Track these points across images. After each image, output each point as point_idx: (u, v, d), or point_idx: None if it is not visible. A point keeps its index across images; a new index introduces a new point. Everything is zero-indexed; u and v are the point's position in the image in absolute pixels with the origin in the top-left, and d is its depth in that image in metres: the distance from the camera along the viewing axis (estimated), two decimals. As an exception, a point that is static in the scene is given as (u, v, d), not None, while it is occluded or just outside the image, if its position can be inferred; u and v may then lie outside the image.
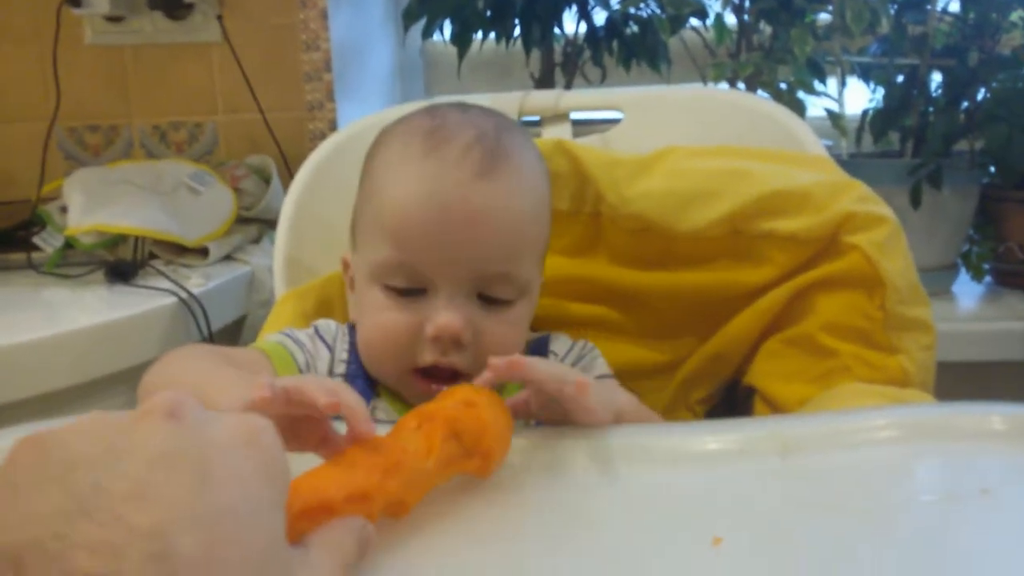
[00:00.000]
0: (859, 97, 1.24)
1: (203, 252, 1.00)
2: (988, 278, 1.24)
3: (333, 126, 1.16)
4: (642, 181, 0.69)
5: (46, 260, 1.00)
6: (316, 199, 0.80)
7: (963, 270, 1.24)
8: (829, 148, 1.21)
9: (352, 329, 0.63)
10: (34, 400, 0.72)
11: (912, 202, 1.12)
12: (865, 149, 1.24)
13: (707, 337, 0.70)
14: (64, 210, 1.02)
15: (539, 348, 0.65)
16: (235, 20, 1.15)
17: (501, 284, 0.56)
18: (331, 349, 0.61)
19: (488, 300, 0.56)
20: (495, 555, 0.41)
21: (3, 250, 1.02)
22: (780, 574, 0.39)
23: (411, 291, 0.56)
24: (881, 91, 1.19)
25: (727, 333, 0.68)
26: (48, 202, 1.05)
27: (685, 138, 0.76)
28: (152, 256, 0.98)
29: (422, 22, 1.08)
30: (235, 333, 0.95)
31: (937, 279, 1.22)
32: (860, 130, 1.21)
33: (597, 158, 0.70)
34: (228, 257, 1.02)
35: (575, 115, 0.84)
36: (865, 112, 1.20)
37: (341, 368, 0.61)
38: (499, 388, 0.51)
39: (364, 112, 1.25)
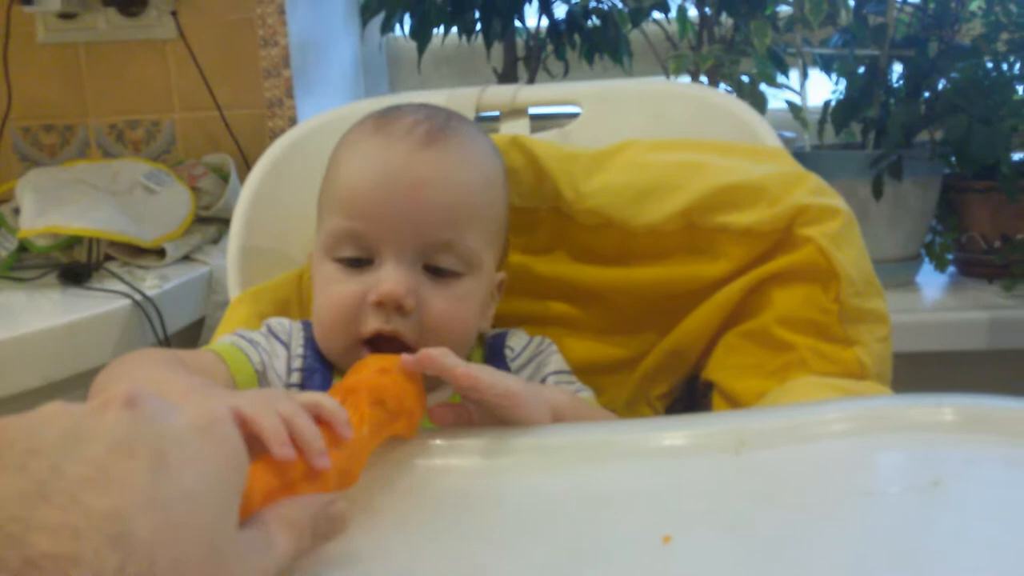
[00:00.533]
0: (821, 89, 1.25)
1: (160, 253, 0.98)
2: (952, 268, 1.25)
3: (293, 123, 1.15)
4: (599, 176, 0.68)
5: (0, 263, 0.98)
6: (273, 193, 0.78)
7: (927, 260, 1.24)
8: (791, 140, 1.22)
9: (307, 325, 0.62)
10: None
11: (874, 193, 1.13)
12: (828, 140, 1.24)
13: (666, 332, 0.70)
14: (17, 212, 1.00)
15: (496, 344, 0.64)
16: (191, 16, 1.14)
17: (444, 253, 0.57)
18: (287, 346, 0.61)
19: (434, 272, 0.57)
20: (444, 557, 0.40)
21: (-46, 254, 1.00)
22: (735, 570, 0.39)
23: (359, 261, 0.57)
24: (843, 82, 1.20)
25: (685, 328, 0.68)
26: (1, 204, 1.03)
27: (643, 132, 0.76)
28: (108, 258, 0.97)
29: (381, 16, 1.07)
30: (193, 335, 0.94)
31: (900, 270, 1.22)
32: (822, 122, 1.21)
33: (554, 153, 0.70)
34: (186, 258, 1.00)
35: (533, 110, 0.83)
36: (827, 103, 1.20)
37: (298, 363, 0.60)
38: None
39: (325, 109, 1.24)
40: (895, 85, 1.16)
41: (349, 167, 0.59)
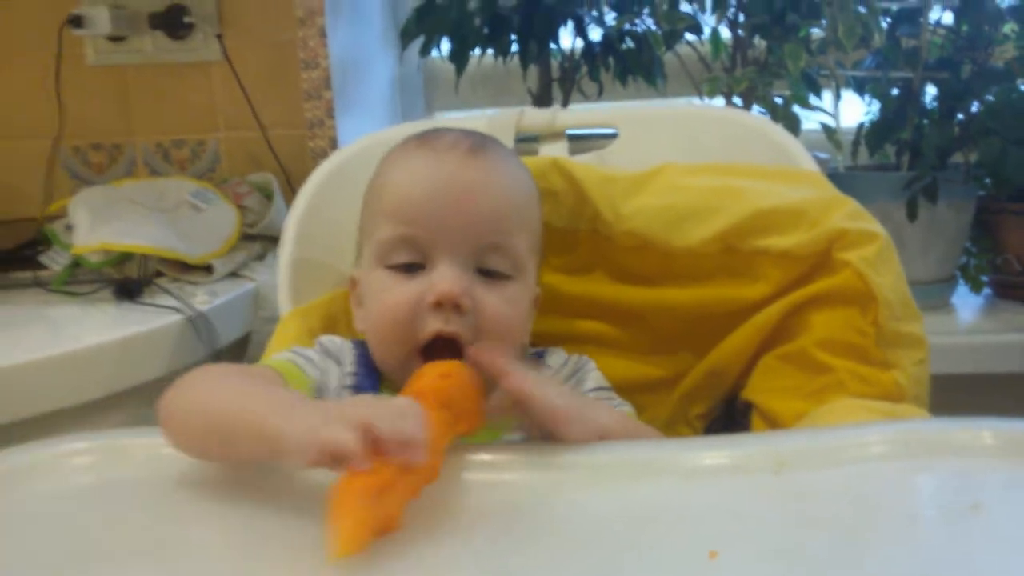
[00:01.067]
0: (854, 110, 1.25)
1: (208, 269, 1.01)
2: (987, 290, 1.25)
3: (334, 144, 1.18)
4: (637, 198, 0.70)
5: (53, 278, 1.01)
6: (321, 210, 0.81)
7: (961, 283, 1.24)
8: (825, 162, 1.23)
9: (357, 343, 0.64)
10: (40, 418, 0.73)
11: (908, 215, 1.13)
12: (861, 162, 1.25)
13: (704, 352, 0.71)
14: (69, 228, 1.04)
15: (535, 359, 0.66)
16: (235, 39, 1.17)
17: (496, 255, 0.60)
18: (339, 363, 0.63)
19: (485, 274, 0.59)
20: (489, 573, 0.42)
21: (9, 269, 1.03)
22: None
23: (412, 267, 0.59)
24: (876, 104, 1.21)
25: (724, 349, 0.69)
26: (54, 220, 1.06)
27: (679, 155, 0.78)
28: (158, 274, 0.99)
29: (420, 40, 1.10)
30: (240, 350, 0.96)
31: (935, 292, 1.23)
32: (856, 143, 1.22)
33: (593, 175, 0.71)
34: (233, 274, 1.03)
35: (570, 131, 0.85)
36: (860, 125, 1.21)
37: (349, 380, 0.62)
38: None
39: (364, 129, 1.27)
40: (929, 107, 1.17)
41: (399, 179, 0.62)
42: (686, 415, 0.72)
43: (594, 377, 0.65)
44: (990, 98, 1.12)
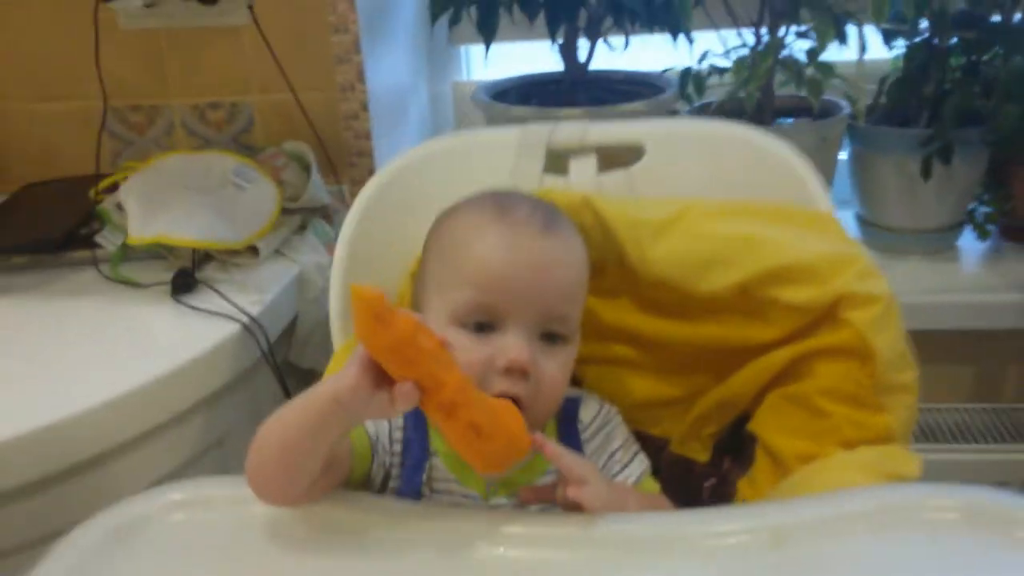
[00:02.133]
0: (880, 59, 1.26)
1: (253, 250, 1.08)
2: (993, 233, 1.29)
3: (364, 107, 1.21)
4: (663, 243, 0.75)
5: (108, 257, 1.08)
6: (369, 232, 0.85)
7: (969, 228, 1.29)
8: (841, 120, 1.23)
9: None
10: (114, 448, 0.82)
11: (923, 174, 1.17)
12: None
13: (719, 378, 0.79)
14: (120, 209, 1.10)
15: (570, 408, 0.73)
16: (264, 3, 1.18)
17: (561, 323, 0.67)
18: (389, 421, 0.70)
19: (547, 338, 0.67)
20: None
21: (69, 249, 1.10)
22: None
23: (484, 327, 0.65)
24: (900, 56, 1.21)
25: (735, 382, 0.77)
26: (103, 199, 1.12)
27: (702, 172, 0.84)
28: (208, 257, 1.06)
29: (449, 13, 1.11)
30: (288, 335, 1.04)
31: (944, 237, 1.28)
32: (879, 95, 1.24)
33: (622, 218, 0.77)
34: (276, 251, 1.10)
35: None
36: (883, 79, 1.22)
37: (398, 435, 0.70)
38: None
39: (394, 93, 1.30)
40: (953, 65, 1.18)
41: (478, 248, 0.67)
42: (699, 434, 0.81)
43: (620, 432, 0.73)
44: (1017, 59, 1.12)
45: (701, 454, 0.82)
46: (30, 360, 0.88)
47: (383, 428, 0.70)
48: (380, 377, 0.55)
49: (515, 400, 0.64)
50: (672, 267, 0.75)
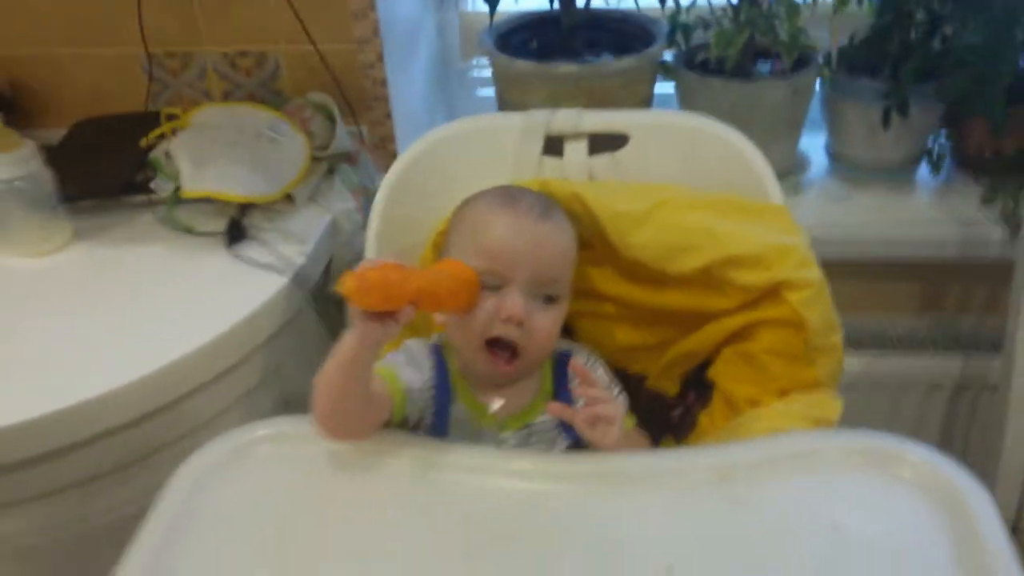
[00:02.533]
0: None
1: (290, 198, 1.23)
2: (947, 165, 1.44)
3: (380, 57, 1.33)
4: (640, 232, 0.92)
5: (162, 201, 1.24)
6: (397, 206, 1.01)
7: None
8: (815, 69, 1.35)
9: (434, 349, 0.90)
10: (187, 394, 1.00)
11: (883, 123, 1.31)
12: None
13: (684, 331, 0.97)
14: (168, 156, 1.24)
15: (562, 358, 0.92)
16: (287, -37, 1.28)
17: (552, 285, 0.86)
18: (420, 371, 0.89)
19: (542, 299, 0.85)
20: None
21: (128, 194, 1.26)
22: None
23: (492, 286, 0.84)
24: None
25: (698, 338, 0.95)
26: (152, 149, 1.27)
27: (677, 162, 0.98)
28: (251, 203, 1.22)
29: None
30: (327, 276, 1.21)
31: (903, 171, 1.43)
32: (850, 45, 1.36)
33: (605, 210, 0.93)
34: (308, 198, 1.25)
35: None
36: (852, 36, 1.34)
37: (429, 385, 0.88)
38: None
39: (406, 46, 1.42)
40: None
41: (490, 228, 0.85)
42: (669, 373, 1.00)
43: (601, 374, 0.92)
44: (973, 26, 1.24)
45: (671, 389, 1.01)
46: (121, 315, 1.05)
47: (416, 380, 0.88)
48: (376, 315, 0.73)
49: (511, 346, 0.84)
50: (647, 252, 0.92)
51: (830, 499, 0.75)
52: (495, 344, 0.84)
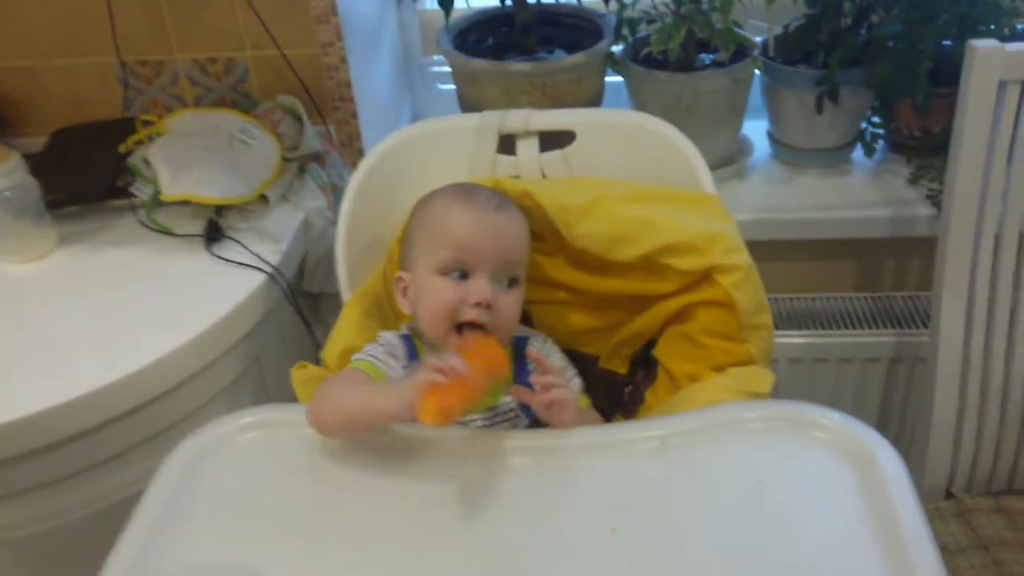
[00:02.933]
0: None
1: (263, 199, 1.31)
2: (881, 147, 1.53)
3: (343, 60, 1.40)
4: (584, 224, 1.00)
5: (142, 205, 1.31)
6: (364, 203, 1.09)
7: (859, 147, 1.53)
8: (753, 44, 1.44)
9: (405, 338, 0.99)
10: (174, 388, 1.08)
11: (817, 108, 1.40)
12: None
13: (631, 314, 1.06)
14: (147, 162, 1.31)
15: (520, 344, 1.01)
16: (250, -28, 1.35)
17: (512, 270, 0.95)
18: (396, 359, 0.97)
19: (505, 283, 0.94)
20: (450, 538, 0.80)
21: (110, 198, 1.33)
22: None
23: (460, 275, 0.93)
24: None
25: (641, 320, 1.05)
26: (131, 155, 1.33)
27: (620, 155, 1.07)
28: (226, 205, 1.29)
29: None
30: (299, 271, 1.29)
31: (838, 156, 1.52)
32: (785, 34, 1.45)
33: (552, 203, 1.01)
34: (281, 197, 1.33)
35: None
36: (787, 26, 1.43)
37: (404, 372, 0.97)
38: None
39: (368, 50, 1.49)
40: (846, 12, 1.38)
41: (453, 221, 0.94)
42: (619, 353, 1.09)
43: (557, 357, 1.01)
44: (894, 13, 1.33)
45: (621, 368, 1.10)
46: (108, 316, 1.13)
47: (394, 370, 0.95)
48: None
49: (481, 326, 0.92)
50: (591, 241, 1.00)
51: (756, 459, 0.84)
52: (464, 327, 0.93)
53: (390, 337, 0.99)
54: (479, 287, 0.92)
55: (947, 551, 1.12)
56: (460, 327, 0.93)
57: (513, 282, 0.96)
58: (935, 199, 1.39)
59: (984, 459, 1.25)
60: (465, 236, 0.93)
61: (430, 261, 0.94)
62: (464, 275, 0.93)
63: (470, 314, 0.92)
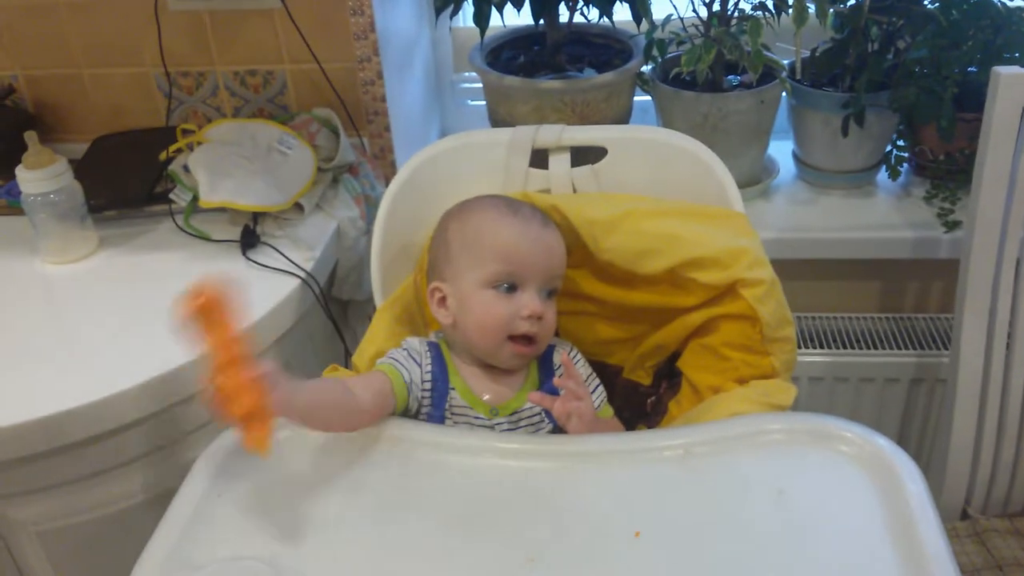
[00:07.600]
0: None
1: (299, 207, 1.34)
2: (905, 170, 1.55)
3: (379, 75, 1.44)
4: (611, 238, 1.03)
5: (181, 210, 1.35)
6: (397, 213, 1.12)
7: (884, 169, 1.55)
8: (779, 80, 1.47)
9: (432, 345, 1.01)
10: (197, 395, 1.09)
11: (843, 131, 1.42)
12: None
13: (656, 326, 1.08)
14: (186, 169, 1.35)
15: (548, 352, 1.03)
16: (292, -12, 1.39)
17: (555, 282, 0.99)
18: (419, 365, 1.00)
19: (545, 293, 0.98)
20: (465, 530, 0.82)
21: (150, 204, 1.37)
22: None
23: (509, 289, 0.96)
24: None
25: (665, 332, 1.07)
26: (172, 162, 1.38)
27: (650, 174, 1.09)
28: (262, 212, 1.33)
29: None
30: (331, 278, 1.32)
31: (863, 177, 1.54)
32: (813, 57, 1.47)
33: (580, 218, 1.04)
34: (316, 206, 1.36)
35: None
36: (814, 49, 1.45)
37: (427, 376, 0.99)
38: None
39: (403, 67, 1.53)
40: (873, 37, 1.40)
41: (504, 235, 0.97)
42: (643, 365, 1.11)
43: (583, 370, 1.03)
44: (920, 39, 1.35)
45: (645, 379, 1.13)
46: (147, 317, 1.14)
47: (416, 372, 0.99)
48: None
49: (531, 337, 0.96)
50: (618, 255, 1.03)
51: (777, 470, 0.86)
52: (516, 338, 0.96)
53: (415, 343, 1.01)
54: (531, 301, 0.95)
55: (963, 571, 1.13)
56: (512, 337, 0.96)
57: (552, 293, 0.99)
58: (945, 218, 1.40)
59: (1001, 481, 1.26)
60: (516, 251, 0.96)
61: (478, 274, 0.97)
62: (512, 288, 0.96)
63: (523, 327, 0.95)
